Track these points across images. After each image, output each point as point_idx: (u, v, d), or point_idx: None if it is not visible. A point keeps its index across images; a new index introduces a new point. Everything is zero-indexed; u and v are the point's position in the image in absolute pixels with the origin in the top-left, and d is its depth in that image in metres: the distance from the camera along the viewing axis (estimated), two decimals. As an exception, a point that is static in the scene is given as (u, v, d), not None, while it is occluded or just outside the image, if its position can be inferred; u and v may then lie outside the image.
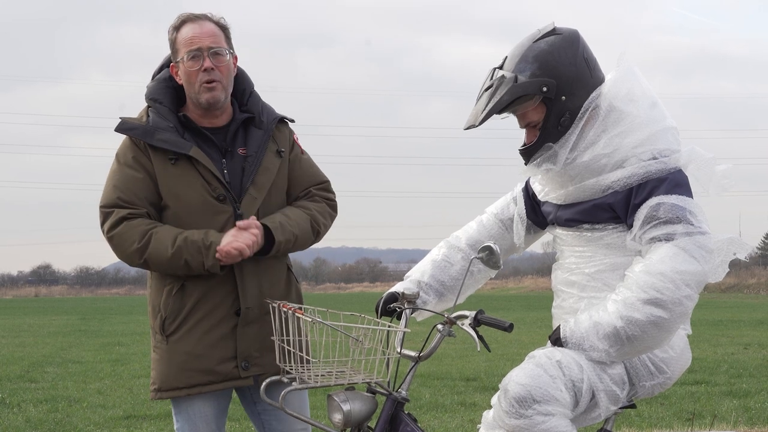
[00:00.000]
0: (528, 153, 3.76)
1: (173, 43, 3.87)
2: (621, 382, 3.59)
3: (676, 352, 3.71)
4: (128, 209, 3.79)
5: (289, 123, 4.14)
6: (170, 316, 3.85)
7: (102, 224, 3.84)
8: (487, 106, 3.66)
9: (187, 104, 3.94)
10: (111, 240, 3.80)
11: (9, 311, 38.18)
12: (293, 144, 4.09)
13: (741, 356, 14.88)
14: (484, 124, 3.70)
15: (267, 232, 3.81)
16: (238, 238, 3.71)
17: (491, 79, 3.71)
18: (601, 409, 3.55)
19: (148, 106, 3.92)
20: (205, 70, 3.80)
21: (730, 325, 22.59)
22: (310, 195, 4.08)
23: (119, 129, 3.87)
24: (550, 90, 3.63)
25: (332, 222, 4.14)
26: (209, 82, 3.81)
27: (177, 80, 3.91)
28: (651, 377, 3.66)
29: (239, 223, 3.76)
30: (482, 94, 3.72)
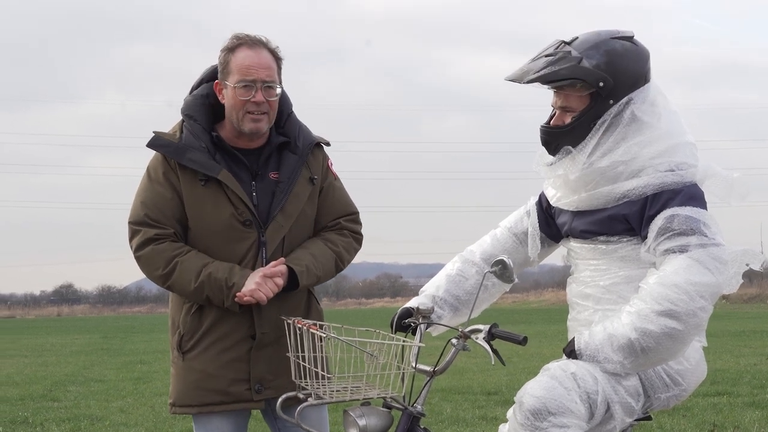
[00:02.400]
0: (549, 134, 3.77)
1: (226, 64, 3.79)
2: (636, 394, 3.59)
3: (692, 364, 3.70)
4: (156, 229, 3.78)
5: (325, 147, 4.08)
6: (187, 333, 3.86)
7: (130, 240, 3.84)
8: (542, 70, 3.66)
9: (223, 123, 3.89)
10: (138, 260, 3.82)
11: (32, 331, 38.30)
12: (326, 170, 4.04)
13: (764, 367, 14.77)
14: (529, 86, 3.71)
15: (291, 271, 3.80)
16: (261, 288, 3.71)
17: (556, 49, 3.71)
18: (616, 421, 3.55)
19: (183, 121, 3.88)
20: (255, 102, 3.76)
21: (752, 336, 22.45)
22: (339, 227, 4.03)
23: (151, 145, 3.82)
24: (606, 88, 3.64)
25: (355, 255, 4.10)
26: (257, 113, 3.77)
27: (220, 98, 3.86)
28: (666, 389, 3.65)
29: (266, 271, 3.74)
30: (540, 57, 3.71)
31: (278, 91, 3.82)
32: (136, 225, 3.81)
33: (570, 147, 3.71)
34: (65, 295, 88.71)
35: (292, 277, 3.80)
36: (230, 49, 3.80)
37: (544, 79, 3.68)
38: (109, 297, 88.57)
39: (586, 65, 3.64)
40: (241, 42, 3.79)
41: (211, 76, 3.94)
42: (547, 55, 3.70)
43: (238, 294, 3.70)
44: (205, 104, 3.89)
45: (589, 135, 3.69)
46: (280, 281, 3.76)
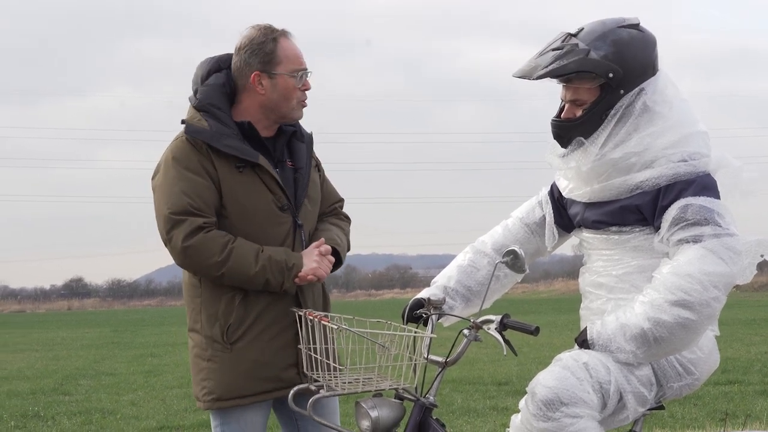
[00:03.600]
0: (560, 128, 3.76)
1: (271, 54, 3.83)
2: (648, 384, 3.58)
3: (705, 353, 3.69)
4: (202, 218, 3.73)
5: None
6: (235, 323, 3.80)
7: (169, 232, 3.73)
8: (550, 65, 3.64)
9: (239, 110, 3.89)
10: (186, 250, 3.71)
11: (42, 325, 38.41)
12: (317, 159, 4.15)
13: (775, 355, 14.75)
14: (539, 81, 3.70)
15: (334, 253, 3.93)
16: (321, 265, 3.81)
17: (563, 42, 3.69)
18: (629, 411, 3.54)
19: (200, 110, 3.83)
20: (305, 89, 3.89)
21: (763, 324, 22.42)
22: (336, 212, 4.16)
23: (188, 131, 3.79)
24: (615, 78, 3.63)
25: None
26: (304, 100, 3.91)
27: (258, 89, 3.85)
28: (679, 378, 3.64)
29: (322, 248, 3.85)
30: (547, 51, 3.69)
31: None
32: (179, 215, 3.72)
33: (582, 138, 3.70)
34: (75, 289, 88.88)
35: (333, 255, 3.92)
36: (273, 39, 3.86)
37: (553, 74, 3.66)
38: (119, 290, 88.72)
39: (594, 57, 3.62)
40: (278, 33, 3.88)
41: (217, 67, 3.93)
42: (554, 49, 3.68)
43: (300, 274, 3.77)
44: (225, 93, 3.89)
45: (602, 126, 3.67)
46: (332, 258, 3.89)
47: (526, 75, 3.70)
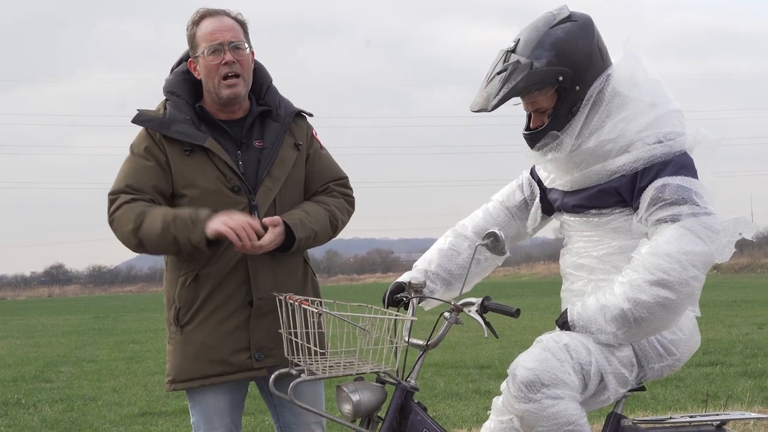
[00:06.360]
0: (534, 138, 3.75)
1: (192, 38, 3.91)
2: (629, 365, 3.58)
3: (685, 334, 3.70)
4: (132, 195, 3.81)
5: (308, 118, 4.15)
6: (184, 306, 3.86)
7: (108, 212, 3.86)
8: (500, 91, 3.63)
9: (204, 98, 3.97)
10: (112, 224, 3.83)
11: (23, 312, 38.30)
12: (311, 139, 4.11)
13: (756, 336, 14.85)
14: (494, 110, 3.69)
15: (287, 229, 3.82)
16: (229, 222, 3.67)
17: (505, 62, 3.66)
18: (610, 392, 3.55)
19: (166, 99, 3.96)
20: (225, 63, 3.84)
21: (744, 305, 22.57)
22: (329, 190, 4.10)
23: (136, 120, 3.91)
24: (566, 80, 3.61)
25: (349, 218, 4.15)
26: (230, 76, 3.85)
27: (195, 75, 3.95)
28: (660, 359, 3.65)
29: (266, 220, 3.77)
30: (493, 76, 3.68)
31: (247, 50, 3.91)
32: (114, 194, 3.85)
33: (556, 132, 3.69)
34: (56, 276, 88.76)
35: (288, 235, 3.82)
36: (195, 23, 3.93)
37: (506, 99, 3.64)
38: (100, 277, 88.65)
39: (538, 67, 3.60)
40: (203, 14, 3.92)
41: (188, 55, 4.01)
42: (498, 73, 3.66)
43: (210, 226, 3.66)
44: (186, 80, 3.98)
45: (574, 119, 3.67)
46: (255, 220, 3.75)
47: (483, 108, 3.69)
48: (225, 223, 3.68)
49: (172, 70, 4.05)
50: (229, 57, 3.83)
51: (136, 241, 3.79)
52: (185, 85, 3.97)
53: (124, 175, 3.87)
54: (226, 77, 3.84)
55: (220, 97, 3.87)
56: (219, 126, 3.91)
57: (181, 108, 3.89)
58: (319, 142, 4.14)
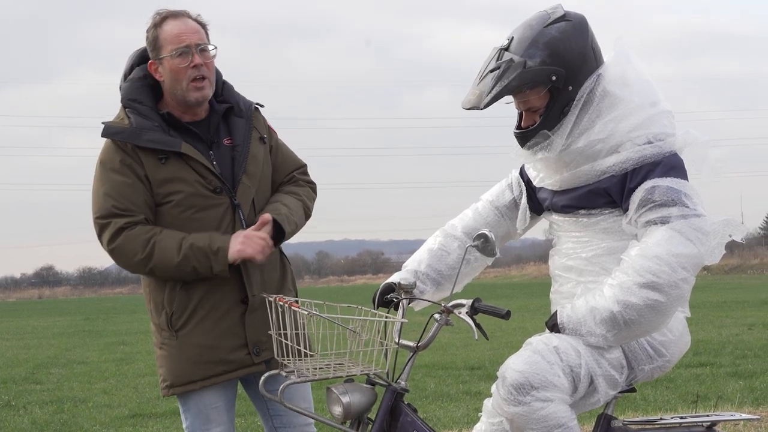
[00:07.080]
0: (525, 137, 3.74)
1: (155, 40, 3.85)
2: (619, 367, 3.59)
3: (675, 335, 3.70)
4: (125, 218, 3.76)
5: (260, 109, 4.14)
6: (177, 311, 3.84)
7: (99, 236, 3.81)
8: (493, 89, 3.62)
9: (164, 101, 3.92)
10: (112, 252, 3.80)
11: (13, 313, 38.19)
12: (269, 129, 4.11)
13: (745, 337, 14.86)
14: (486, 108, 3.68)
15: (275, 224, 3.83)
16: (247, 246, 3.73)
17: (498, 60, 3.65)
18: (600, 394, 3.55)
19: (125, 107, 3.88)
20: (194, 66, 3.80)
21: (734, 306, 22.58)
22: (294, 180, 4.11)
23: (106, 134, 3.84)
24: (559, 79, 3.61)
25: (314, 204, 4.17)
26: (199, 79, 3.81)
27: (157, 77, 3.89)
28: (650, 361, 3.65)
29: (246, 232, 3.77)
30: (486, 74, 3.67)
31: (213, 52, 3.89)
32: (104, 218, 3.79)
33: (547, 131, 3.69)
34: (46, 278, 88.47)
35: (277, 230, 3.84)
36: (156, 25, 3.87)
37: (498, 98, 3.64)
38: (90, 278, 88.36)
39: (531, 66, 3.59)
40: (164, 15, 3.87)
41: (140, 60, 3.96)
42: (491, 70, 3.65)
43: (229, 257, 3.71)
44: (145, 86, 3.92)
45: (565, 118, 3.66)
46: (265, 234, 3.78)
47: (475, 106, 3.68)
48: (246, 246, 3.72)
49: (125, 76, 3.97)
50: (197, 60, 3.81)
51: (146, 270, 3.78)
52: (145, 90, 3.90)
53: (105, 194, 3.79)
54: (194, 80, 3.81)
55: (188, 100, 3.84)
56: (188, 129, 3.88)
57: (147, 115, 3.83)
58: (276, 133, 4.16)
